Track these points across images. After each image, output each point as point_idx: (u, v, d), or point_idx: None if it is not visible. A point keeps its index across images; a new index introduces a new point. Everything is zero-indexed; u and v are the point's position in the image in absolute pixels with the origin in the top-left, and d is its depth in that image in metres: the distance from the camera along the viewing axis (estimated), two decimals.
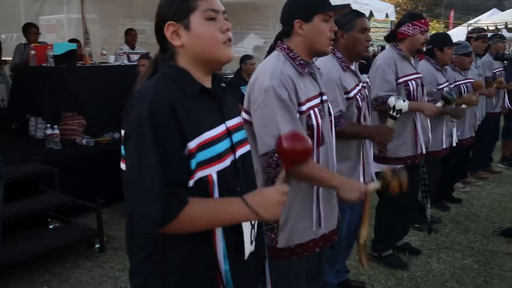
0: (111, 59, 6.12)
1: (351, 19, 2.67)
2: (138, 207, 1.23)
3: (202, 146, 1.29)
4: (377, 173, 2.83)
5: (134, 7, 9.65)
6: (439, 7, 67.18)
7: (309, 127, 1.97)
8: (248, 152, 1.51)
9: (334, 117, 2.33)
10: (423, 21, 3.31)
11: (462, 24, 22.08)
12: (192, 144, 1.27)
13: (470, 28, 16.94)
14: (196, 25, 1.34)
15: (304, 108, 1.95)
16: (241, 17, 8.42)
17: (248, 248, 1.41)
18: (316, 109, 2.01)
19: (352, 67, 2.71)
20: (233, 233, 1.37)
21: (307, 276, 2.22)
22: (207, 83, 1.40)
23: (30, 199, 3.96)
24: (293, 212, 2.01)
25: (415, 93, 3.30)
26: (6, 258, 3.37)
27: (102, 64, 5.97)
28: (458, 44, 4.32)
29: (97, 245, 3.88)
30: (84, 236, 3.87)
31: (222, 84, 1.47)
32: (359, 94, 2.64)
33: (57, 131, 4.81)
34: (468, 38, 5.46)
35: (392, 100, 2.65)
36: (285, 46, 2.04)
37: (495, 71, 5.75)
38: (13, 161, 4.20)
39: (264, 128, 1.88)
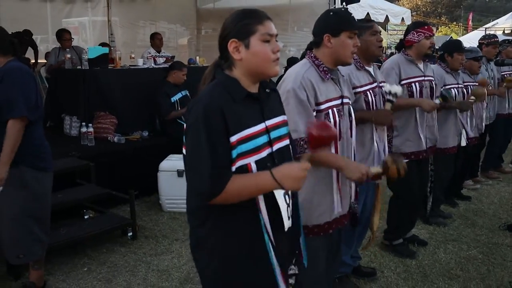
0: (140, 62, 6.49)
1: (363, 27, 3.00)
2: (193, 185, 1.63)
3: (242, 141, 1.63)
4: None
5: (154, 10, 9.99)
6: (458, 9, 66.71)
7: None
8: (286, 146, 1.83)
9: None
10: (426, 27, 3.61)
11: (478, 28, 22.05)
12: (233, 139, 1.61)
13: (487, 31, 17.11)
14: (254, 45, 1.67)
15: (323, 107, 2.32)
16: None
17: (287, 222, 1.75)
18: (335, 109, 2.36)
19: (369, 68, 3.05)
20: (274, 210, 1.70)
21: (328, 255, 2.54)
22: (254, 89, 1.74)
23: (69, 190, 4.34)
24: (314, 196, 2.36)
25: (417, 95, 3.60)
26: (51, 243, 3.73)
27: (132, 67, 6.35)
28: (468, 50, 4.59)
29: (130, 233, 4.22)
30: (118, 225, 4.23)
31: (267, 90, 1.81)
32: (370, 91, 2.98)
33: (91, 129, 5.19)
34: (480, 44, 5.71)
35: (387, 86, 2.97)
36: (312, 55, 2.43)
37: (503, 73, 5.98)
38: (52, 156, 4.57)
39: (290, 120, 2.22)
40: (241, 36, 1.67)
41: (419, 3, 67.46)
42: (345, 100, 2.45)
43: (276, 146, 1.75)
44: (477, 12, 67.90)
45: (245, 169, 1.63)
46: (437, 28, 44.88)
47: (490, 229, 4.49)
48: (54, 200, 3.91)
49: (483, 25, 23.12)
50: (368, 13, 9.16)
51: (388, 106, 2.99)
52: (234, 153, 1.61)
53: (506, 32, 15.20)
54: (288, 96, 2.26)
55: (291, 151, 1.86)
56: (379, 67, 4.03)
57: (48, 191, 3.19)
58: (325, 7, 7.36)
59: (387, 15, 9.63)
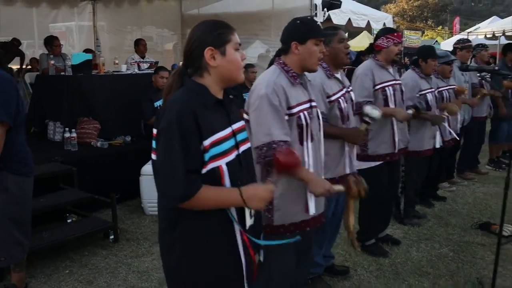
0: (123, 68, 6.58)
1: (329, 34, 3.13)
2: (167, 187, 1.71)
3: (214, 144, 1.74)
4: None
5: (141, 15, 10.11)
6: (444, 13, 67.50)
7: (299, 126, 2.45)
8: (249, 148, 1.98)
9: None
10: (396, 34, 3.77)
11: (461, 32, 22.44)
12: (206, 142, 1.72)
13: (469, 35, 17.38)
14: (230, 53, 1.81)
15: (294, 110, 2.44)
16: (247, 27, 8.91)
17: (249, 220, 1.87)
18: (305, 112, 2.49)
19: (337, 75, 3.17)
20: (240, 209, 1.83)
21: (298, 254, 2.66)
22: (220, 96, 1.87)
23: (52, 195, 4.41)
24: (288, 196, 2.48)
25: (392, 98, 3.73)
26: (33, 246, 3.81)
27: (115, 73, 6.44)
28: (440, 56, 4.75)
29: (112, 236, 4.31)
30: (100, 228, 4.32)
31: (230, 96, 1.95)
32: (342, 97, 3.10)
33: (74, 134, 5.28)
34: (454, 49, 5.89)
35: (367, 108, 3.09)
36: (281, 61, 2.55)
37: (480, 78, 6.16)
38: (35, 161, 4.64)
39: (258, 127, 2.37)
40: (217, 44, 1.79)
41: (406, 7, 68.21)
42: (313, 104, 2.57)
43: (241, 148, 1.87)
44: (463, 16, 68.77)
45: (216, 171, 1.74)
46: (423, 32, 45.40)
47: (463, 228, 4.64)
48: (36, 204, 4.01)
49: (466, 29, 23.41)
50: (349, 19, 9.34)
51: (363, 127, 3.11)
52: (207, 156, 1.72)
53: (487, 36, 15.43)
54: (262, 102, 2.37)
55: (252, 153, 1.97)
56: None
57: (29, 195, 3.27)
58: (307, 12, 7.53)
59: (368, 21, 9.80)
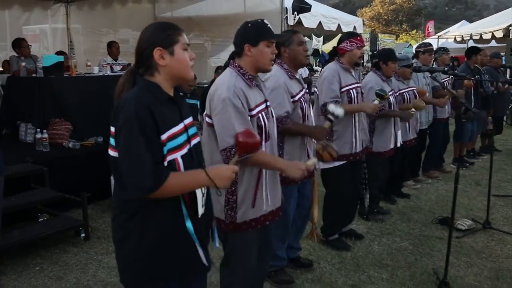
0: (95, 70, 6.64)
1: (289, 36, 3.29)
2: (135, 180, 1.78)
3: (170, 138, 1.86)
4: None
5: (115, 18, 10.15)
6: (419, 17, 68.71)
7: (259, 127, 2.57)
8: (199, 142, 2.09)
9: (282, 116, 3.00)
10: (359, 38, 3.93)
11: (432, 36, 22.99)
12: (164, 136, 1.84)
13: (439, 39, 17.81)
14: (178, 53, 1.92)
15: (254, 112, 2.55)
16: (221, 30, 9.05)
17: (200, 209, 1.99)
18: (263, 113, 2.61)
19: (297, 76, 3.33)
20: (191, 200, 1.95)
21: (261, 248, 2.79)
22: (171, 93, 1.98)
23: (23, 194, 4.47)
24: (247, 194, 2.59)
25: (356, 100, 3.90)
26: (3, 244, 3.88)
27: (87, 75, 6.49)
28: (400, 59, 4.96)
29: (83, 234, 4.39)
30: (71, 226, 4.39)
31: (180, 94, 2.08)
32: (302, 98, 3.26)
33: (46, 135, 5.33)
34: (417, 52, 6.12)
35: (331, 107, 3.24)
36: (236, 64, 2.64)
37: (443, 80, 6.40)
38: (6, 161, 4.69)
39: (223, 129, 2.45)
40: (166, 44, 1.91)
41: (381, 11, 69.30)
42: (268, 103, 2.70)
43: (193, 142, 2.00)
44: (437, 20, 70.11)
45: (173, 163, 1.86)
46: (398, 36, 46.15)
47: (424, 223, 4.85)
48: (7, 203, 4.07)
49: (438, 32, 23.93)
50: (320, 22, 9.54)
51: (327, 124, 3.26)
52: (165, 149, 1.84)
53: (457, 40, 15.86)
54: (225, 105, 2.44)
55: (202, 147, 2.12)
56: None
57: None
58: (278, 16, 7.72)
59: (339, 24, 10.01)
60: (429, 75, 5.71)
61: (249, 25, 2.63)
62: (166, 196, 1.84)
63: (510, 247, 4.28)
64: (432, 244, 4.31)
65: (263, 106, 2.65)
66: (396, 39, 38.22)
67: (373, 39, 32.42)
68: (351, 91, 3.91)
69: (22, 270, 3.81)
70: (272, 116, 2.74)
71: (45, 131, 5.38)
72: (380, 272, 3.76)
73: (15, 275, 3.73)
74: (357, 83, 4.01)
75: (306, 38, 19.88)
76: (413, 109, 4.82)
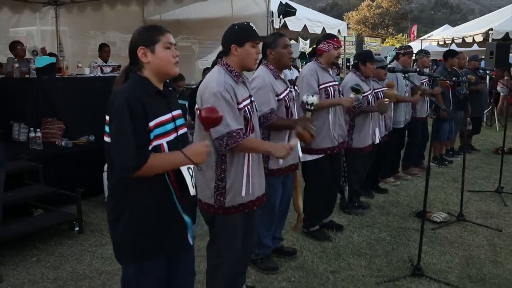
0: (87, 71, 6.84)
1: (275, 39, 3.54)
2: (120, 161, 2.04)
3: (157, 125, 2.11)
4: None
5: (104, 20, 10.30)
6: (405, 21, 69.48)
7: (245, 119, 2.82)
8: (186, 133, 2.34)
9: (267, 113, 3.27)
10: (335, 39, 4.19)
11: (416, 39, 23.43)
12: (151, 124, 2.09)
13: (423, 42, 18.20)
14: (158, 51, 2.16)
15: (241, 105, 2.80)
16: (210, 33, 9.27)
17: (192, 190, 2.24)
18: (248, 106, 2.86)
19: (282, 76, 3.57)
20: (180, 182, 2.19)
21: (245, 233, 3.02)
22: (161, 87, 2.23)
23: (19, 190, 4.66)
24: (237, 180, 2.83)
25: (333, 96, 4.16)
26: (1, 236, 4.07)
27: (78, 76, 6.68)
28: (376, 60, 5.23)
29: (77, 228, 4.59)
30: (66, 220, 4.60)
31: (169, 88, 2.32)
32: (287, 96, 3.51)
33: (39, 134, 5.50)
34: (397, 54, 6.41)
35: (304, 97, 3.48)
36: (224, 62, 2.88)
37: (422, 81, 6.70)
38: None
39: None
40: (148, 44, 2.16)
41: (368, 15, 69.97)
42: (253, 99, 2.95)
43: (180, 132, 2.25)
44: (423, 24, 70.98)
45: (158, 148, 2.11)
46: (384, 40, 46.74)
47: (402, 216, 5.12)
48: (3, 198, 4.25)
49: (422, 36, 24.38)
50: (305, 25, 9.80)
51: (308, 114, 3.48)
52: (152, 135, 2.09)
53: (439, 43, 16.24)
54: (216, 98, 2.68)
55: (188, 137, 2.37)
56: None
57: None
58: (264, 19, 7.96)
59: (324, 27, 10.28)
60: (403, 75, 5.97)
61: (236, 27, 2.87)
62: (150, 174, 2.08)
63: (481, 237, 4.56)
64: (409, 235, 4.57)
65: (248, 101, 2.89)
66: (382, 42, 38.76)
67: (359, 43, 32.87)
68: (328, 88, 4.16)
69: (20, 261, 3.99)
70: (256, 111, 2.98)
71: (38, 130, 5.55)
72: (359, 260, 4.01)
73: (14, 265, 3.91)
74: (335, 81, 4.26)
75: (293, 41, 20.22)
76: (386, 100, 5.07)
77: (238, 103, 2.77)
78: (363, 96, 4.80)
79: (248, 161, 2.85)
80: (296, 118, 3.64)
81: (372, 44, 30.30)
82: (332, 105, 4.11)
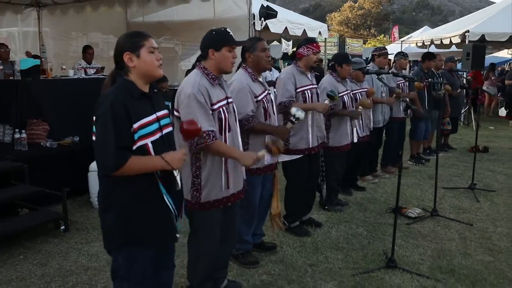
0: (71, 73, 6.92)
1: (253, 43, 3.70)
2: (101, 160, 2.20)
3: (141, 127, 2.26)
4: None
5: (86, 22, 10.33)
6: (387, 22, 70.26)
7: (219, 119, 2.97)
8: (171, 131, 2.50)
9: (248, 116, 3.45)
10: (315, 44, 4.36)
11: (397, 41, 23.80)
12: (135, 125, 2.24)
13: (403, 43, 18.52)
14: (143, 55, 2.32)
15: (215, 106, 2.95)
16: (193, 35, 9.37)
17: (178, 184, 2.40)
18: (224, 107, 3.01)
19: (260, 79, 3.73)
20: (167, 178, 2.35)
21: (223, 228, 3.17)
22: (146, 89, 2.38)
23: (4, 190, 4.75)
24: (211, 177, 2.98)
25: (311, 99, 4.33)
26: None
27: (63, 78, 6.76)
28: (354, 62, 5.43)
29: (63, 227, 4.69)
30: (52, 218, 4.70)
31: (155, 90, 2.47)
32: (265, 98, 3.67)
33: (24, 135, 5.59)
34: (373, 56, 6.61)
35: (293, 110, 3.61)
36: (202, 66, 3.04)
37: (398, 82, 6.92)
38: None
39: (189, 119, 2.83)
40: (133, 49, 2.32)
41: (350, 16, 70.60)
42: (230, 100, 3.10)
43: (164, 131, 2.40)
44: (405, 25, 71.81)
45: (144, 147, 2.27)
46: (366, 41, 47.24)
47: (379, 212, 5.32)
48: None
49: (403, 37, 24.77)
50: (286, 28, 9.99)
51: (289, 125, 3.63)
52: (136, 136, 2.24)
53: (418, 44, 16.57)
54: (190, 100, 2.85)
55: (174, 136, 2.53)
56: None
57: None
58: (246, 22, 8.11)
59: (304, 29, 10.48)
60: (376, 76, 6.18)
61: (213, 32, 3.03)
62: (131, 174, 2.23)
63: (453, 231, 4.77)
64: (384, 229, 4.77)
65: (224, 102, 3.04)
66: (364, 43, 39.17)
67: (341, 44, 33.16)
68: (305, 91, 4.33)
69: (7, 259, 4.09)
70: (234, 112, 3.13)
71: (23, 131, 5.64)
72: (336, 254, 4.19)
73: (1, 263, 4.01)
74: (312, 84, 4.43)
75: (275, 42, 20.40)
76: (360, 107, 5.26)
77: (213, 104, 2.93)
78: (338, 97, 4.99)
79: (224, 160, 3.01)
80: (275, 119, 3.80)
81: (354, 45, 30.61)
82: (307, 110, 4.27)
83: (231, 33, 3.03)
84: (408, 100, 6.61)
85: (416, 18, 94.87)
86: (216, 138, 2.87)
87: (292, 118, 3.58)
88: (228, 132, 3.03)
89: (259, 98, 3.62)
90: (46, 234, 4.60)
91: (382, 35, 60.17)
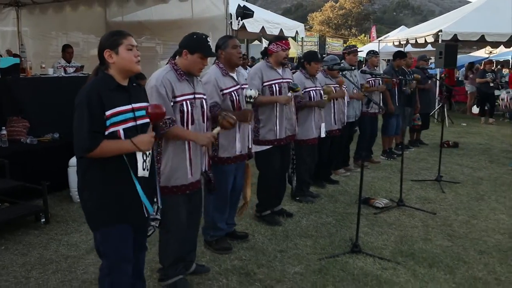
0: (50, 72, 7.05)
1: (225, 41, 3.93)
2: (77, 142, 2.44)
3: (114, 114, 2.49)
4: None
5: (66, 21, 10.45)
6: (367, 22, 70.96)
7: (181, 111, 3.20)
8: (147, 123, 2.71)
9: (211, 105, 3.63)
10: (284, 41, 4.59)
11: (374, 40, 24.22)
12: (108, 113, 2.47)
13: (380, 43, 18.89)
14: (121, 52, 2.57)
15: (178, 99, 3.19)
16: (171, 34, 9.55)
17: (141, 172, 2.61)
18: (188, 101, 3.24)
19: (232, 74, 3.95)
20: (134, 163, 2.57)
21: (189, 213, 3.40)
22: (125, 83, 2.61)
23: None
24: (170, 163, 3.22)
25: (278, 92, 4.56)
26: None
27: (42, 76, 6.90)
28: (325, 60, 5.68)
29: (43, 219, 4.85)
30: (32, 211, 4.86)
31: (134, 84, 2.70)
32: (234, 91, 3.89)
33: (4, 132, 5.72)
34: (343, 54, 6.88)
35: (244, 91, 3.88)
36: (173, 62, 3.28)
37: (368, 80, 7.19)
38: None
39: None
40: (112, 47, 2.56)
41: (331, 16, 71.18)
42: (198, 96, 3.32)
43: (139, 122, 2.62)
44: (385, 25, 72.56)
45: (115, 133, 2.50)
46: (347, 40, 47.76)
47: (348, 203, 5.58)
48: None
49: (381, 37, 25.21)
50: (263, 27, 10.22)
51: (249, 106, 3.89)
52: (108, 122, 2.47)
53: (395, 44, 16.95)
54: (152, 91, 3.12)
55: (149, 126, 2.74)
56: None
57: None
58: (223, 21, 8.32)
59: (281, 29, 10.71)
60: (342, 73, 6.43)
61: (194, 36, 3.28)
62: (104, 156, 2.46)
63: (417, 219, 5.05)
64: (352, 219, 5.01)
65: (190, 96, 3.27)
66: (345, 43, 39.65)
67: (322, 43, 33.57)
68: (273, 85, 4.56)
69: None
70: (202, 107, 3.35)
71: (3, 128, 5.77)
72: (305, 241, 4.42)
73: None
74: (282, 78, 4.65)
75: (256, 42, 20.62)
76: (324, 96, 5.50)
77: (175, 97, 3.18)
78: (304, 92, 5.22)
79: (186, 149, 3.23)
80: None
81: (334, 44, 31.08)
82: (271, 102, 4.49)
83: (209, 43, 3.28)
84: (368, 96, 6.91)
85: (397, 18, 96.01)
86: (172, 125, 3.10)
87: (247, 99, 3.85)
88: (191, 124, 3.24)
89: (226, 91, 3.85)
90: (27, 227, 4.76)
91: (363, 34, 60.76)
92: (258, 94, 4.01)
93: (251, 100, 3.81)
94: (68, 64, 8.03)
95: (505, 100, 2.36)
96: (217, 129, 3.33)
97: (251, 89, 3.86)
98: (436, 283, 3.65)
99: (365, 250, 4.18)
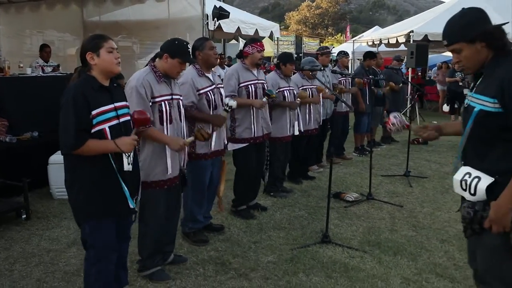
0: (28, 71, 7.14)
1: (202, 43, 4.13)
2: (63, 140, 2.60)
3: (99, 114, 2.68)
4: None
5: (42, 20, 10.49)
6: (344, 21, 71.65)
7: (160, 111, 3.38)
8: (129, 120, 2.91)
9: (188, 105, 3.81)
10: (259, 43, 4.81)
11: (349, 40, 24.58)
12: (94, 112, 2.65)
13: (355, 42, 19.24)
14: (102, 54, 2.76)
15: (157, 100, 3.38)
16: (148, 34, 9.69)
17: (126, 166, 2.80)
18: (166, 102, 3.42)
19: (208, 75, 4.14)
20: (119, 159, 2.75)
21: (169, 207, 3.59)
22: (107, 83, 2.80)
23: None
24: (150, 160, 3.40)
25: (254, 94, 4.77)
26: None
27: (21, 76, 6.98)
28: (308, 61, 5.95)
29: (24, 216, 4.97)
30: (13, 208, 4.97)
31: (114, 84, 2.88)
32: (210, 91, 4.08)
33: None
34: (316, 54, 7.13)
35: (226, 100, 4.09)
36: (153, 64, 3.46)
37: (340, 79, 7.46)
38: None
39: (131, 109, 3.17)
40: (94, 49, 2.74)
41: (308, 15, 71.68)
42: (175, 96, 3.51)
43: (122, 119, 2.82)
44: (361, 24, 73.32)
45: (101, 131, 2.68)
46: (324, 40, 48.25)
47: (321, 197, 5.82)
48: None
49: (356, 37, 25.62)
50: (238, 27, 10.43)
51: (224, 113, 4.11)
52: (94, 121, 2.65)
53: (369, 44, 17.32)
54: (132, 91, 3.30)
55: (131, 123, 2.91)
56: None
57: None
58: (199, 22, 8.49)
59: (256, 29, 10.94)
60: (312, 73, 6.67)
61: (176, 41, 3.49)
62: (89, 154, 2.65)
63: (385, 212, 5.33)
64: (324, 212, 5.19)
65: (168, 97, 3.45)
66: (322, 42, 40.07)
67: (299, 43, 33.87)
68: (249, 86, 4.77)
69: None
70: (179, 107, 3.55)
71: None
72: (278, 233, 4.65)
73: None
74: (257, 79, 4.86)
75: (233, 41, 20.79)
76: (298, 99, 5.75)
77: (154, 97, 3.36)
78: (278, 91, 5.43)
79: (163, 147, 3.41)
80: (218, 111, 4.23)
81: (310, 44, 31.35)
82: (246, 104, 4.70)
83: (189, 49, 3.49)
84: (338, 96, 7.18)
85: (373, 18, 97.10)
86: (149, 126, 3.23)
87: (225, 107, 4.07)
88: (170, 123, 3.43)
89: (202, 91, 4.05)
90: (8, 223, 4.88)
91: (339, 34, 61.37)
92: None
93: (229, 109, 4.02)
94: (46, 64, 8.11)
95: (396, 124, 2.59)
96: (191, 138, 3.52)
97: (234, 100, 4.06)
98: (400, 269, 3.91)
99: (334, 240, 4.42)
